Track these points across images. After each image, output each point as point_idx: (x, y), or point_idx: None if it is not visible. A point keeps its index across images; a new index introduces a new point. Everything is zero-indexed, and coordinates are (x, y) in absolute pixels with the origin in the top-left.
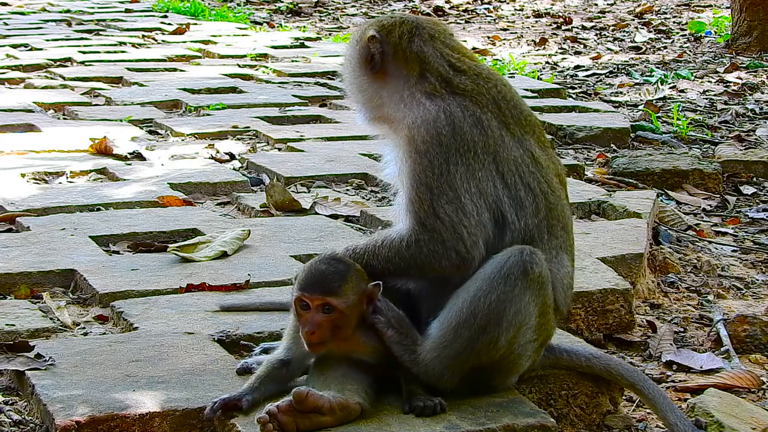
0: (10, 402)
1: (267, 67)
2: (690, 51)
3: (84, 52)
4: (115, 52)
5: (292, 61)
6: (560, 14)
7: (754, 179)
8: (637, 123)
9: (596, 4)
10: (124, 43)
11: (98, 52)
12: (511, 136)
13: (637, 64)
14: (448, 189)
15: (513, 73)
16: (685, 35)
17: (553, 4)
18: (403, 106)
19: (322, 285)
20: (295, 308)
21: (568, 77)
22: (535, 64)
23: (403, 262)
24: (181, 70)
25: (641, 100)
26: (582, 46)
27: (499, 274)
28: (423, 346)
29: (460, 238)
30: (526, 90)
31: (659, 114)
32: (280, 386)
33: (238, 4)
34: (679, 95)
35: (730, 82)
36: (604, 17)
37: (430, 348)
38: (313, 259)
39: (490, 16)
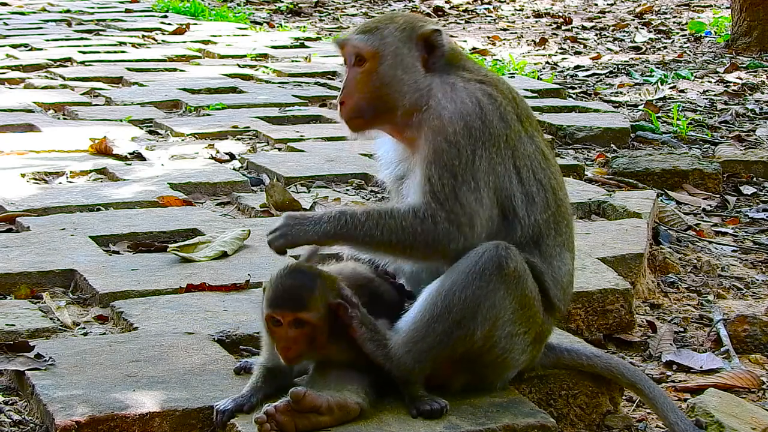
0: (10, 402)
1: (267, 67)
2: (690, 51)
3: (84, 52)
4: (115, 52)
5: (292, 61)
6: (560, 14)
7: (754, 179)
8: (637, 123)
9: (596, 4)
10: (124, 43)
11: (98, 52)
12: (525, 132)
13: (637, 64)
14: (471, 179)
15: (513, 73)
16: (685, 35)
17: (553, 4)
18: (441, 95)
19: (292, 301)
20: (267, 325)
21: (568, 77)
22: (535, 64)
23: (410, 236)
24: (181, 70)
25: (641, 100)
26: (582, 46)
27: (474, 269)
28: (394, 341)
29: (473, 227)
30: (526, 90)
31: (659, 114)
32: (279, 383)
33: (238, 4)
34: (679, 95)
35: (730, 82)
36: (604, 17)
37: (403, 342)
38: (277, 273)
39: (490, 16)
